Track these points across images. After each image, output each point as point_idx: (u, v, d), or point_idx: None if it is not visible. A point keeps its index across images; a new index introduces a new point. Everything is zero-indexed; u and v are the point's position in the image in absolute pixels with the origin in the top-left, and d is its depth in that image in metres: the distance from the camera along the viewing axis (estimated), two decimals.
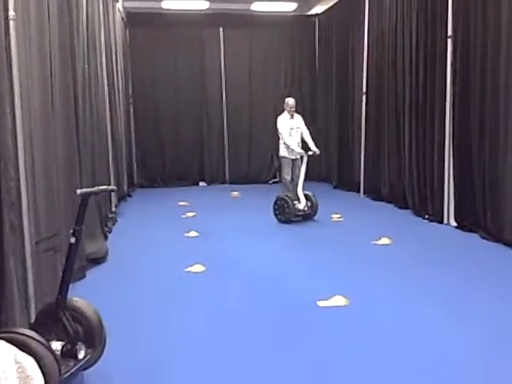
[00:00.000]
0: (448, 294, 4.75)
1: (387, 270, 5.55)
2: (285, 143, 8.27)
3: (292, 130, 8.29)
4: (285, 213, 7.91)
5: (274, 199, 8.05)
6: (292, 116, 8.34)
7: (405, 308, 4.43)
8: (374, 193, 10.00)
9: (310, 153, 8.09)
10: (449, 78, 7.45)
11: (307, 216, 8.05)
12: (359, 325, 4.10)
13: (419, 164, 8.36)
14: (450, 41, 7.41)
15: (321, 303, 4.51)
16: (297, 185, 8.06)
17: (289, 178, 8.30)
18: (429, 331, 3.93)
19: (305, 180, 8.11)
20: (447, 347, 3.66)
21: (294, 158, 8.25)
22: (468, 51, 7.09)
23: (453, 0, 7.33)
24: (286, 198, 7.94)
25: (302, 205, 7.93)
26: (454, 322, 4.09)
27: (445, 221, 7.60)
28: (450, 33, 7.41)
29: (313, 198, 8.14)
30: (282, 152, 8.36)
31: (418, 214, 8.24)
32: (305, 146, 8.35)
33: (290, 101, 8.38)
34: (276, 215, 8.07)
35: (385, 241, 6.67)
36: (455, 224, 7.38)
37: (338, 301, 4.54)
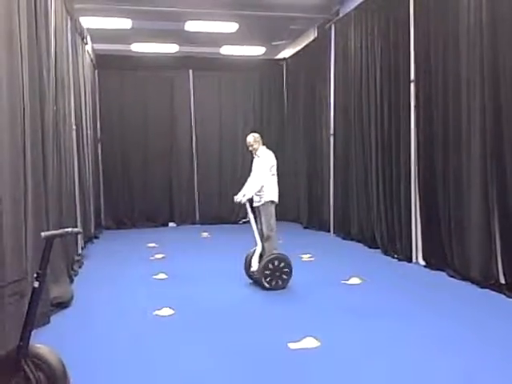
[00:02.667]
0: (420, 332, 4.75)
1: (357, 310, 5.53)
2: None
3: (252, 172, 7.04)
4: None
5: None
6: (257, 155, 6.92)
7: (376, 349, 4.39)
8: (344, 232, 10.06)
9: (237, 200, 6.84)
10: (413, 120, 7.66)
11: (257, 279, 6.55)
12: (331, 367, 4.04)
13: (387, 204, 8.48)
14: (412, 85, 7.65)
15: (292, 345, 4.44)
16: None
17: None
18: (402, 375, 3.90)
19: (266, 239, 6.70)
20: None
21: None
22: (430, 95, 7.32)
23: (414, 45, 7.62)
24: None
25: (253, 267, 6.56)
26: (427, 362, 4.07)
27: (413, 259, 7.67)
28: (412, 77, 7.66)
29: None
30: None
31: (387, 253, 8.31)
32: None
33: (248, 137, 6.96)
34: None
35: (355, 280, 6.67)
36: (423, 263, 7.46)
37: (310, 343, 4.48)
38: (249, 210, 6.69)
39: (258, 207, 6.73)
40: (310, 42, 12.01)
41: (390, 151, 8.35)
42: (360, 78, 9.40)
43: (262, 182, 6.63)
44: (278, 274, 6.35)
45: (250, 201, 6.68)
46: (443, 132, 7.03)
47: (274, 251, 6.50)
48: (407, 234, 7.82)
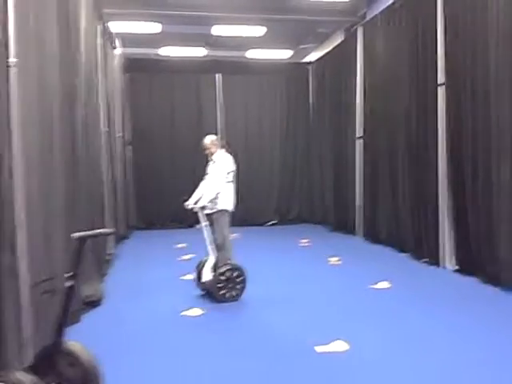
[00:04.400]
0: (448, 339, 4.70)
1: (386, 314, 5.50)
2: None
3: (206, 177, 6.53)
4: (241, 287, 6.10)
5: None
6: (212, 159, 6.38)
7: (404, 353, 4.37)
8: (372, 236, 10.00)
9: (189, 207, 6.46)
10: (440, 123, 7.59)
11: (210, 290, 6.16)
12: (360, 371, 4.03)
13: (415, 207, 8.40)
14: (440, 88, 7.58)
15: (319, 348, 4.44)
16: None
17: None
18: (428, 376, 3.87)
19: (220, 248, 6.28)
20: None
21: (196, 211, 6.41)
22: (459, 98, 7.24)
23: (442, 48, 7.54)
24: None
25: (204, 276, 6.19)
26: (456, 368, 4.03)
27: (442, 264, 7.58)
28: (439, 81, 7.59)
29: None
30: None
31: (415, 257, 8.23)
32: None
33: (204, 139, 6.39)
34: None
35: (383, 285, 6.63)
36: (453, 267, 7.36)
37: (338, 346, 4.47)
38: (201, 217, 6.23)
39: (211, 215, 6.23)
40: (337, 45, 11.99)
41: (418, 154, 8.28)
42: (387, 81, 9.35)
43: (218, 188, 6.16)
44: (231, 285, 6.02)
45: (202, 207, 6.24)
46: (472, 135, 6.94)
47: (228, 261, 6.16)
48: (436, 238, 7.73)
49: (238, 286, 6.10)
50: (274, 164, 13.47)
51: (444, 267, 7.50)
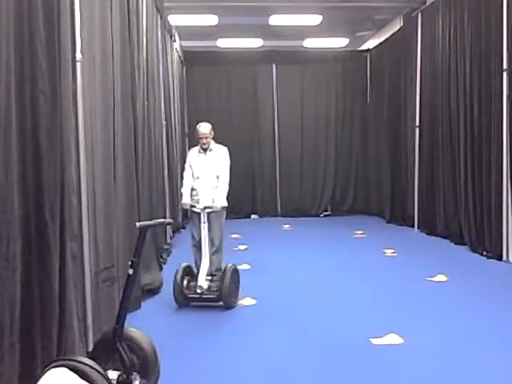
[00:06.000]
0: (506, 335, 4.56)
1: (443, 308, 5.40)
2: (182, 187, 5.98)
3: (198, 171, 5.83)
4: (174, 289, 5.50)
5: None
6: (205, 150, 5.84)
7: (461, 349, 4.28)
8: (429, 228, 9.78)
9: (199, 206, 5.63)
10: (505, 111, 7.31)
11: (209, 300, 5.50)
12: (415, 364, 3.99)
13: (476, 199, 8.15)
14: (505, 74, 7.30)
15: (374, 341, 4.42)
16: (200, 253, 5.66)
17: (193, 241, 5.89)
18: (486, 376, 3.78)
19: (216, 250, 5.75)
20: None
21: (197, 211, 5.70)
22: None
23: (508, 32, 7.25)
24: (177, 272, 5.55)
25: (198, 283, 5.41)
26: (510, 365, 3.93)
27: (504, 257, 7.34)
28: (505, 66, 7.30)
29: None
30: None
31: (475, 250, 7.99)
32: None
33: (201, 127, 5.82)
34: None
35: (440, 278, 6.49)
36: None
37: (393, 339, 4.44)
38: (203, 216, 5.55)
39: (208, 213, 5.63)
40: (395, 32, 11.70)
41: (480, 143, 8.01)
42: (448, 67, 9.07)
43: (227, 183, 5.79)
44: (233, 286, 5.57)
45: (206, 207, 5.62)
46: None
47: (224, 263, 5.75)
48: (498, 231, 7.47)
49: (236, 289, 5.65)
50: (329, 154, 13.37)
51: (507, 261, 7.26)
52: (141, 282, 5.60)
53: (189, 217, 6.17)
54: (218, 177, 5.76)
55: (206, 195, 5.75)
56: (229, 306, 5.45)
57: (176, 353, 4.23)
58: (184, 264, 5.65)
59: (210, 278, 5.55)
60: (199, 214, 5.61)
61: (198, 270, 5.57)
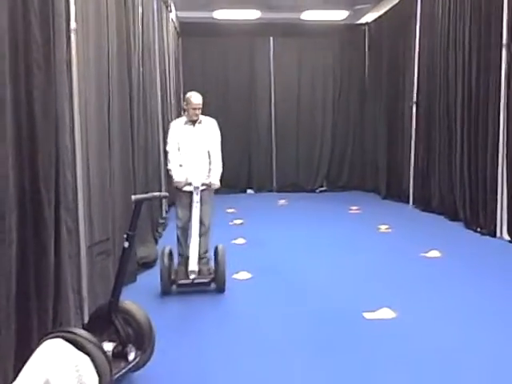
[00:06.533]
0: (499, 311, 4.61)
1: (436, 283, 5.44)
2: (167, 165, 5.47)
3: (187, 145, 5.30)
4: (161, 277, 5.07)
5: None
6: (193, 123, 5.34)
7: (453, 323, 4.33)
8: (424, 204, 9.82)
9: (197, 184, 5.13)
10: (503, 87, 7.27)
11: (202, 285, 5.13)
12: (406, 339, 4.04)
13: (471, 175, 8.17)
14: (504, 49, 7.23)
15: (367, 315, 4.47)
16: (187, 236, 5.34)
17: (180, 223, 5.40)
18: (478, 349, 3.84)
19: (205, 231, 5.36)
20: (497, 367, 3.56)
21: (187, 190, 5.24)
22: None
23: (508, 7, 7.16)
24: (163, 254, 5.11)
25: (189, 268, 4.99)
26: (505, 341, 3.97)
27: (498, 234, 7.38)
28: (504, 41, 7.23)
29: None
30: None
31: (469, 226, 8.04)
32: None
33: (194, 97, 5.28)
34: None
35: (434, 253, 6.54)
36: (508, 238, 7.17)
37: (385, 313, 4.49)
38: (195, 195, 5.12)
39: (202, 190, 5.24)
40: (395, 5, 11.55)
41: (477, 119, 7.98)
42: (447, 42, 8.99)
43: (221, 159, 5.40)
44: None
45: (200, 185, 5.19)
46: None
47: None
48: (492, 207, 7.50)
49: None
50: (325, 129, 13.32)
51: (500, 237, 7.31)
52: (136, 256, 5.61)
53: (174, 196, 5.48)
54: (208, 152, 5.32)
55: (197, 172, 5.25)
56: (222, 289, 5.13)
57: (171, 325, 4.26)
58: (167, 248, 5.18)
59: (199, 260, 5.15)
60: (189, 192, 5.17)
61: (182, 254, 5.32)
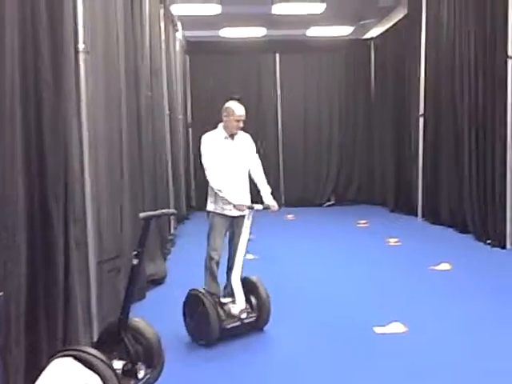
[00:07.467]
0: (509, 325, 4.57)
1: (446, 297, 5.41)
2: (211, 186, 4.61)
3: (228, 162, 4.63)
4: (201, 329, 4.24)
5: (185, 298, 4.48)
6: (232, 136, 4.74)
7: (464, 337, 4.30)
8: (433, 217, 9.76)
9: (258, 207, 4.56)
10: (509, 99, 7.26)
11: (250, 326, 4.43)
12: (418, 353, 4.00)
13: (480, 188, 8.13)
14: (510, 61, 7.24)
15: (378, 329, 4.44)
16: (231, 267, 4.56)
17: (217, 256, 4.67)
18: (490, 363, 3.80)
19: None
20: (504, 381, 3.52)
21: (232, 214, 4.60)
22: None
23: None
24: (204, 296, 4.29)
25: (238, 306, 4.34)
26: None
27: (508, 246, 7.32)
28: (510, 53, 7.24)
29: (262, 291, 4.40)
30: (210, 203, 4.69)
31: (479, 238, 7.97)
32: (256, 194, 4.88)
33: (237, 108, 4.83)
34: (188, 329, 4.39)
35: (444, 266, 6.49)
36: None
37: (396, 328, 4.45)
38: (247, 220, 4.49)
39: (237, 217, 4.63)
40: (400, 20, 11.60)
41: (485, 131, 7.97)
42: (453, 55, 9.00)
43: None
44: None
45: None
46: None
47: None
48: (502, 219, 7.45)
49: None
50: (332, 143, 13.31)
51: (510, 249, 7.25)
52: (145, 273, 5.62)
53: (208, 220, 4.69)
54: (248, 170, 4.73)
55: (240, 193, 4.63)
56: (266, 323, 4.52)
57: (180, 343, 4.25)
58: (201, 289, 4.40)
59: (230, 299, 4.44)
60: (229, 217, 4.57)
61: (214, 292, 4.49)
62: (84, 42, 3.93)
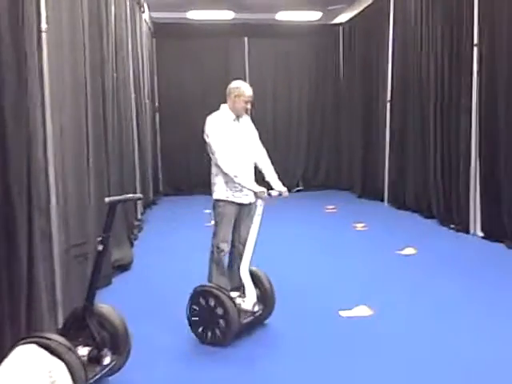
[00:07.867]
0: (474, 307, 4.69)
1: (412, 280, 5.51)
2: (222, 171, 4.30)
3: (237, 146, 4.37)
4: (218, 328, 3.88)
5: (191, 295, 4.12)
6: (238, 119, 4.46)
7: (429, 320, 4.39)
8: (399, 202, 9.92)
9: (274, 193, 4.45)
10: (475, 87, 7.39)
11: (259, 319, 4.24)
12: (384, 336, 4.07)
13: (444, 173, 8.29)
14: (476, 49, 7.36)
15: (343, 313, 4.50)
16: (240, 258, 4.27)
17: (227, 247, 4.45)
18: (454, 345, 3.89)
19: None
20: (469, 362, 3.62)
21: (242, 202, 4.47)
22: (493, 60, 7.03)
23: (479, 7, 7.29)
24: (221, 292, 3.96)
25: (249, 301, 4.10)
26: (480, 338, 4.03)
27: (471, 231, 7.50)
28: (476, 41, 7.36)
29: (265, 281, 4.31)
30: (219, 191, 4.43)
31: (443, 223, 8.15)
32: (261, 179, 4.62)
33: (246, 88, 4.44)
34: (195, 330, 4.03)
35: (409, 251, 6.61)
36: (481, 234, 7.29)
37: (362, 311, 4.52)
38: (259, 206, 4.38)
39: (249, 204, 4.51)
40: (369, 5, 11.65)
41: (450, 118, 8.10)
42: (420, 42, 9.10)
43: None
44: None
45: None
46: (506, 99, 6.76)
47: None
48: (465, 205, 7.62)
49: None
50: (301, 129, 13.36)
51: (474, 234, 7.43)
52: (111, 259, 5.56)
53: (216, 209, 4.47)
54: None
55: (249, 177, 4.43)
56: (271, 314, 4.35)
57: (146, 327, 4.23)
58: (204, 287, 4.08)
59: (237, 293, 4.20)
60: (238, 204, 4.38)
61: (221, 286, 4.12)
62: (47, 22, 3.82)
